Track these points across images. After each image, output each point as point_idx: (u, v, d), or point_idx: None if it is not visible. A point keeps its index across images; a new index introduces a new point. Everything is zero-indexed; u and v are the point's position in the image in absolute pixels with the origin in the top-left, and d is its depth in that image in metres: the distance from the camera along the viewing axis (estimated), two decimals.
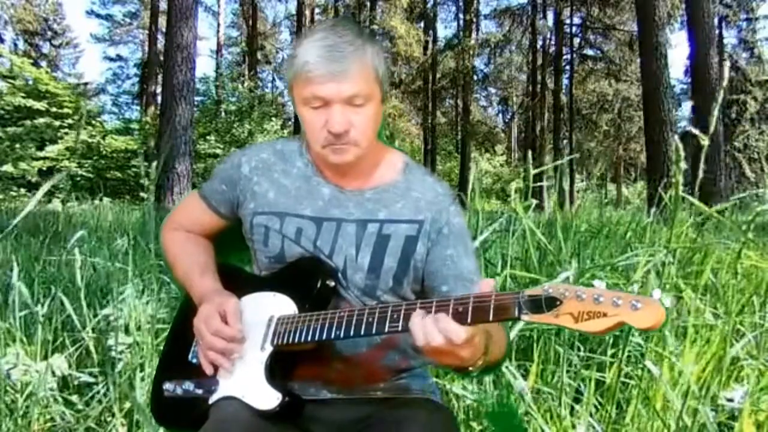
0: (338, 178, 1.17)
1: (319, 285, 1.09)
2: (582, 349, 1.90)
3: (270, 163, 1.19)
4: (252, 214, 1.17)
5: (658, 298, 0.76)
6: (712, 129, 1.09)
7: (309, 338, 1.03)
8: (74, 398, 1.99)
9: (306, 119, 1.08)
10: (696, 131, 1.14)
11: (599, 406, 1.72)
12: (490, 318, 0.86)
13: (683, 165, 1.10)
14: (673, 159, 1.09)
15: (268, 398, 1.03)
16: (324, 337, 1.01)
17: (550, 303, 0.82)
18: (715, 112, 1.14)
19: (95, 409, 1.94)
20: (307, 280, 1.10)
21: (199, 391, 1.11)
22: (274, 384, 1.04)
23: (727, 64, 1.18)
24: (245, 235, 1.21)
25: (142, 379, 1.91)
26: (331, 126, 1.05)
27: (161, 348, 2.11)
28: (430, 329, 0.88)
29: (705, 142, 1.13)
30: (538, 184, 2.42)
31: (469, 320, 0.87)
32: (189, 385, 1.13)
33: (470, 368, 0.95)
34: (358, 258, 1.12)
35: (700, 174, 1.19)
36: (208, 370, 1.11)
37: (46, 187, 1.58)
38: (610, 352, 1.91)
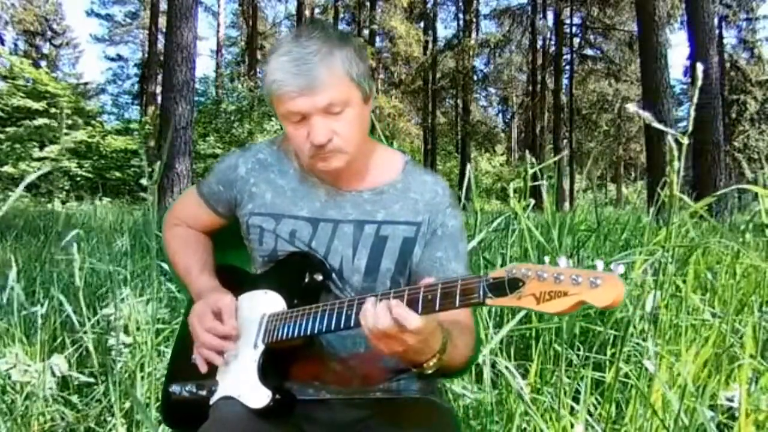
0: (333, 181, 1.16)
1: (306, 279, 1.09)
2: (582, 348, 1.90)
3: (267, 163, 1.19)
4: (249, 215, 1.17)
5: (619, 273, 0.73)
6: (690, 128, 1.11)
7: (295, 333, 1.03)
8: (74, 398, 1.99)
9: (289, 133, 1.08)
10: (672, 131, 1.14)
11: (598, 406, 1.73)
12: (457, 303, 0.84)
13: (676, 164, 1.11)
14: (668, 159, 1.11)
15: (259, 397, 1.03)
16: (308, 331, 1.01)
17: (514, 285, 0.79)
18: (692, 111, 1.15)
19: (95, 409, 1.95)
20: (294, 275, 1.10)
21: (202, 392, 1.12)
22: (266, 382, 1.04)
23: (701, 67, 1.18)
24: (243, 235, 1.21)
25: (142, 379, 1.91)
26: (313, 138, 1.04)
27: (161, 348, 2.13)
28: (381, 313, 0.88)
29: (684, 141, 1.14)
30: (537, 183, 2.42)
31: (423, 309, 0.87)
32: (192, 387, 1.14)
33: (424, 365, 0.95)
34: (354, 259, 1.11)
35: (682, 172, 1.19)
36: (203, 368, 1.11)
37: (29, 179, 1.58)
38: (609, 351, 1.91)
